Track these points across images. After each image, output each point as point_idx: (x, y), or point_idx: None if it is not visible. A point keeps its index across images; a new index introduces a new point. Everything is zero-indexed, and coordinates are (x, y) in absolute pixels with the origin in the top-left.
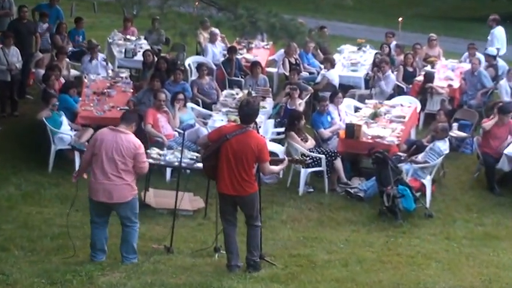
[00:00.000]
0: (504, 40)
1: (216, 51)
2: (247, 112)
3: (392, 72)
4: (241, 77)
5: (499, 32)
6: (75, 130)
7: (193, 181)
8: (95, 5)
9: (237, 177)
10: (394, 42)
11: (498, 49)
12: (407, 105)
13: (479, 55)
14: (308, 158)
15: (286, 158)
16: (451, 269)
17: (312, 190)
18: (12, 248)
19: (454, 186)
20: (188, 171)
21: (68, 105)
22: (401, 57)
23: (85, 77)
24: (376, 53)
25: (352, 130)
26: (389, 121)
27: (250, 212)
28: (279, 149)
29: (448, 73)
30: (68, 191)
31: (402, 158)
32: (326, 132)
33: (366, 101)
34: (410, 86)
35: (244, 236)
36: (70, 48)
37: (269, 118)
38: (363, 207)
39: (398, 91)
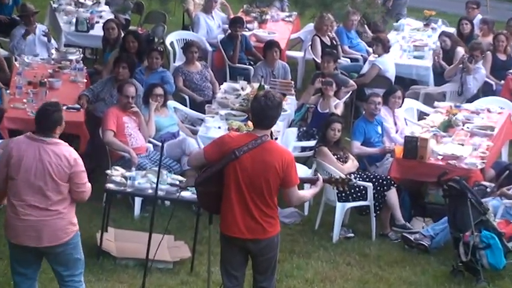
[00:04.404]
0: None
1: (212, 25)
2: (265, 109)
3: None
4: (250, 64)
5: None
6: (0, 138)
7: (175, 218)
8: None
9: (254, 213)
10: (478, 17)
11: None
12: (497, 110)
13: None
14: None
15: (321, 177)
16: None
17: (352, 235)
18: None
19: None
20: (168, 202)
21: None
22: (489, 39)
23: (16, 59)
24: (441, 33)
25: (414, 147)
26: (470, 134)
27: (266, 264)
28: (304, 172)
29: None
30: None
31: (489, 190)
32: (359, 146)
33: (436, 103)
34: (502, 82)
35: None
36: None
37: (290, 126)
38: (428, 262)
39: (484, 90)
